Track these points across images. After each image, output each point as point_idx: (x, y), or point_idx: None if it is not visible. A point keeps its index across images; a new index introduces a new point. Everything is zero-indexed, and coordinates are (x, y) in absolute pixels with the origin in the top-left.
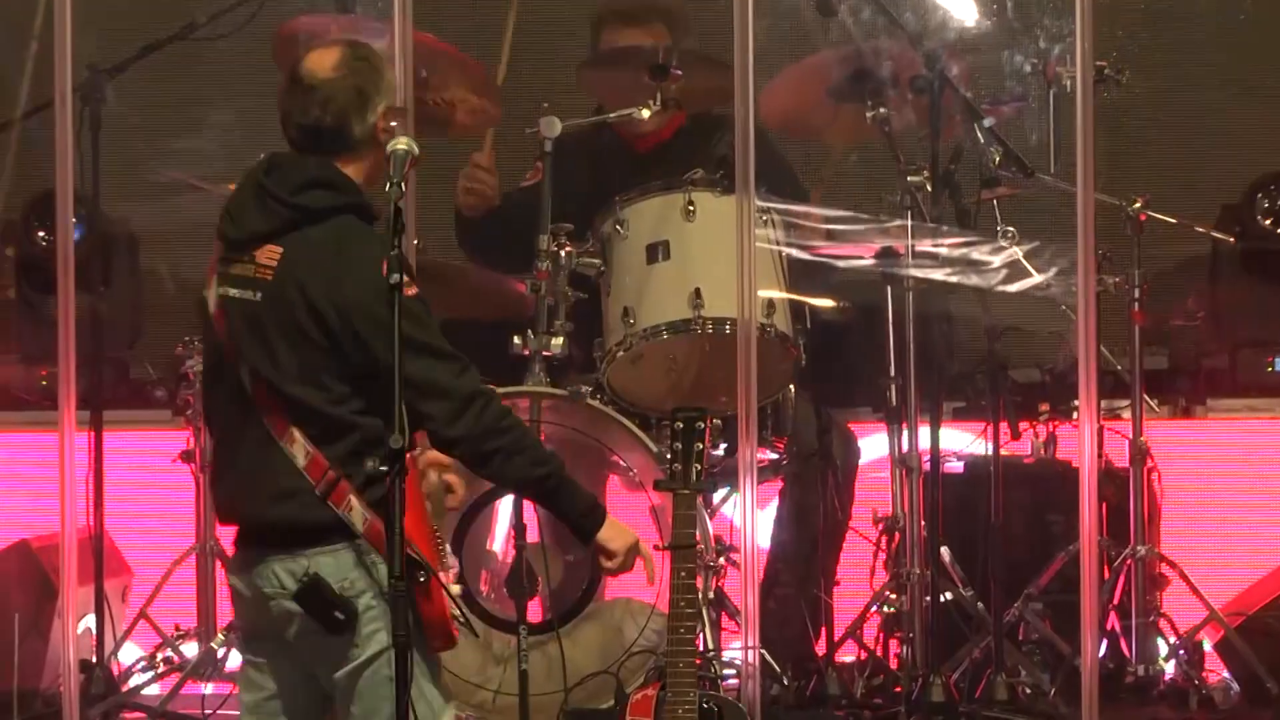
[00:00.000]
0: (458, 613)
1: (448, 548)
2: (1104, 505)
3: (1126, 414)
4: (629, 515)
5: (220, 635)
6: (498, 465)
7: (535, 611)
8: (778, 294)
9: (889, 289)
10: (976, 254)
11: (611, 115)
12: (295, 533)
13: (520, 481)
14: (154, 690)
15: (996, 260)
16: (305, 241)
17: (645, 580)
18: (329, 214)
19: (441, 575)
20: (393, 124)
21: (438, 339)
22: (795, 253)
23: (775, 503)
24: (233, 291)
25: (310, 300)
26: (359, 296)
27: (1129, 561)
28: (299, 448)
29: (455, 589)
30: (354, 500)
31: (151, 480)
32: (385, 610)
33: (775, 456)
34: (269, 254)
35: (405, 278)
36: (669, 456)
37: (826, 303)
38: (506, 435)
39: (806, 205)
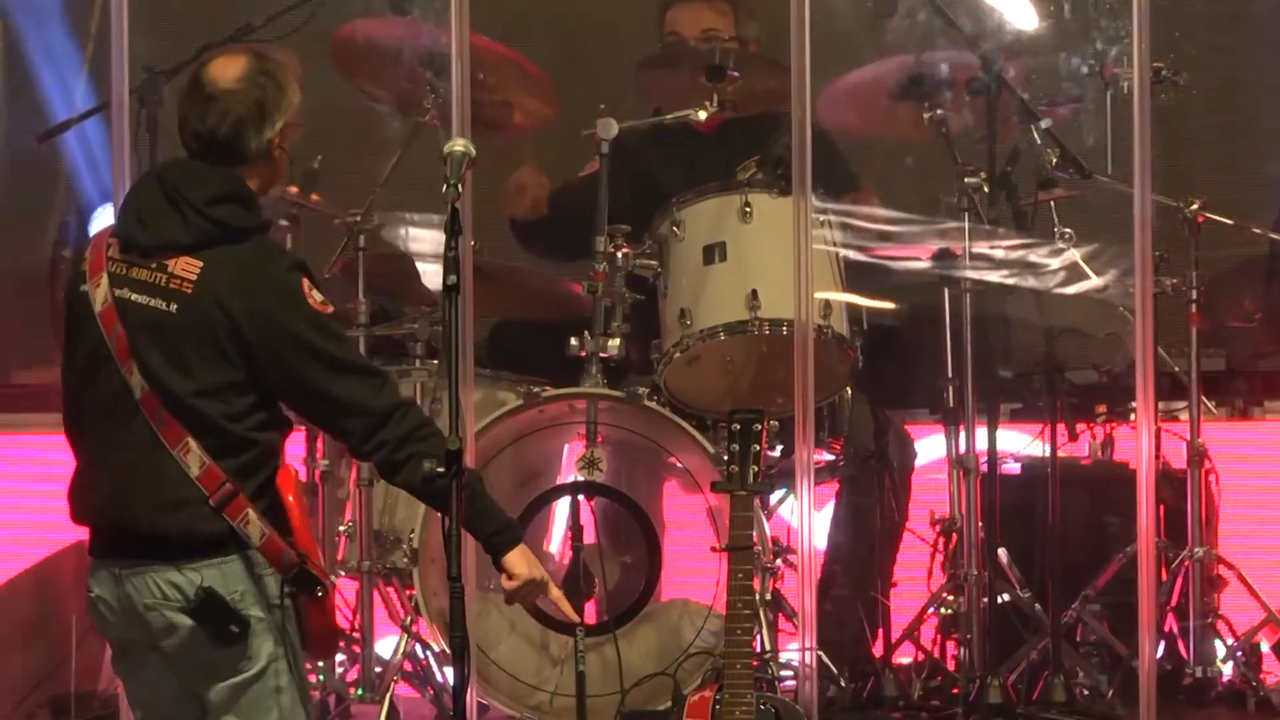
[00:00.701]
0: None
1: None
2: (1161, 507)
3: (1184, 415)
4: (687, 517)
5: None
6: (409, 472)
7: (592, 613)
8: (834, 295)
9: (946, 290)
10: (1034, 256)
11: (668, 116)
12: (184, 544)
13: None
14: None
15: (1054, 262)
16: (227, 261)
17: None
18: (248, 233)
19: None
20: (288, 142)
21: (356, 355)
22: (852, 254)
23: (831, 504)
24: (134, 296)
25: (233, 321)
26: (285, 322)
27: (1186, 563)
28: (194, 457)
29: None
30: (251, 512)
31: None
32: (273, 623)
33: (832, 458)
34: (186, 266)
35: (319, 297)
36: (726, 458)
37: (884, 305)
38: (422, 444)
39: (858, 196)
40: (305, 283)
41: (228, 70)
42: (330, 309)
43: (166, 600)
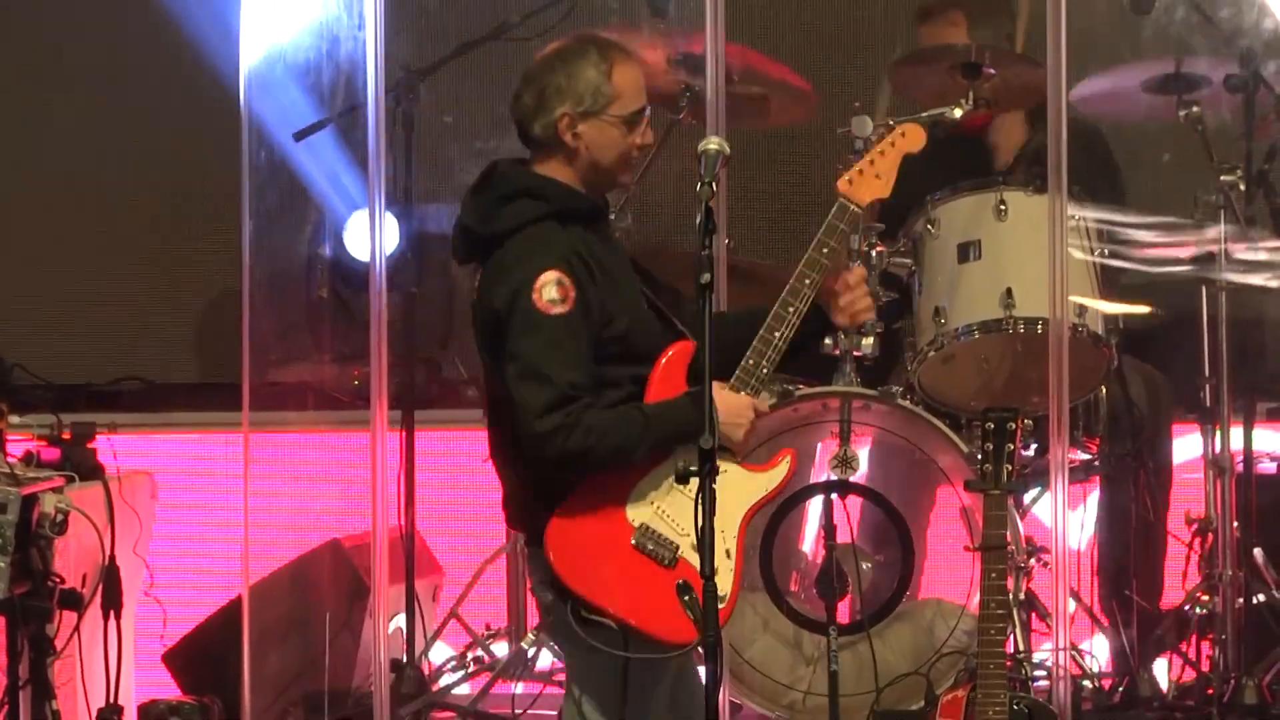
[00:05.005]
0: None
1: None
2: None
3: None
4: (940, 514)
5: (530, 635)
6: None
7: (846, 611)
8: (1088, 300)
9: (1203, 290)
10: None
11: (924, 114)
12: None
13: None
14: (464, 690)
15: None
16: (494, 260)
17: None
18: (521, 228)
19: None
20: (578, 128)
21: (543, 358)
22: (1107, 253)
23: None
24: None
25: (483, 313)
26: (499, 307)
27: None
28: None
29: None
30: None
31: (462, 480)
32: None
33: (1087, 457)
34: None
35: (552, 295)
36: (979, 457)
37: (1138, 309)
38: (583, 459)
39: (1120, 201)
40: (540, 278)
41: (541, 53)
42: (556, 310)
43: (541, 581)
